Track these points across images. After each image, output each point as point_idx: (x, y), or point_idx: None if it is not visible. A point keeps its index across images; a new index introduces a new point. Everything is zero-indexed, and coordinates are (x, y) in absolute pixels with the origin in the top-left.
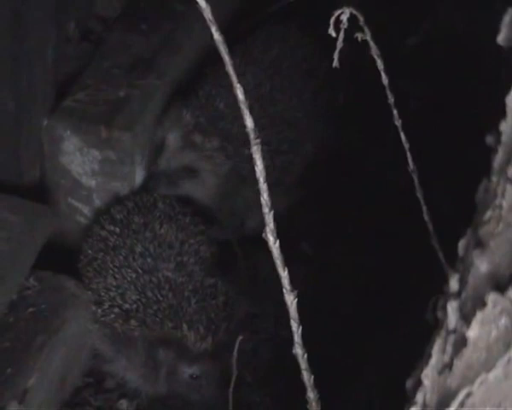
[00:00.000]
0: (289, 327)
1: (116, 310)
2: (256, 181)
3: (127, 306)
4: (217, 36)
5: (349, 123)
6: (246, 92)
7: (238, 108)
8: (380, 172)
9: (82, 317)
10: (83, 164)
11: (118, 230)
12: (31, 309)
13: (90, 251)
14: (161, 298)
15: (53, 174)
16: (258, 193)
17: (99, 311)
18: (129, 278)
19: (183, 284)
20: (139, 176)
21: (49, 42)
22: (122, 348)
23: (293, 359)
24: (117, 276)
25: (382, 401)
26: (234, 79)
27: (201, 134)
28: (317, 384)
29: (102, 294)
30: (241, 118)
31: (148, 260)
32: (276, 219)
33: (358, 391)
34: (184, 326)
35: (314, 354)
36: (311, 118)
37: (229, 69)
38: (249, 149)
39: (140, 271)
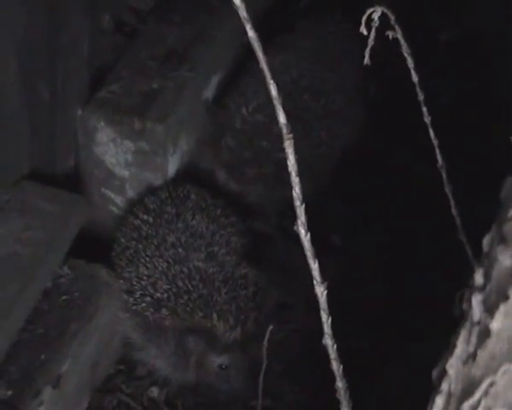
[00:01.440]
0: (318, 318)
1: (147, 299)
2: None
3: (158, 295)
4: (251, 33)
5: (376, 116)
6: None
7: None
8: (405, 166)
9: (114, 305)
10: (116, 155)
11: (151, 219)
12: (64, 297)
13: (123, 239)
14: (192, 288)
15: (87, 164)
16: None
17: (131, 300)
18: (160, 268)
19: (214, 275)
20: (172, 167)
21: (85, 34)
22: (153, 336)
23: (322, 349)
24: (148, 265)
25: (408, 394)
26: (267, 75)
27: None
28: (345, 375)
29: (134, 283)
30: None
31: (180, 250)
32: (307, 212)
33: (385, 384)
34: (214, 316)
35: (341, 345)
36: (349, 108)
37: (264, 67)
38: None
39: (171, 261)
